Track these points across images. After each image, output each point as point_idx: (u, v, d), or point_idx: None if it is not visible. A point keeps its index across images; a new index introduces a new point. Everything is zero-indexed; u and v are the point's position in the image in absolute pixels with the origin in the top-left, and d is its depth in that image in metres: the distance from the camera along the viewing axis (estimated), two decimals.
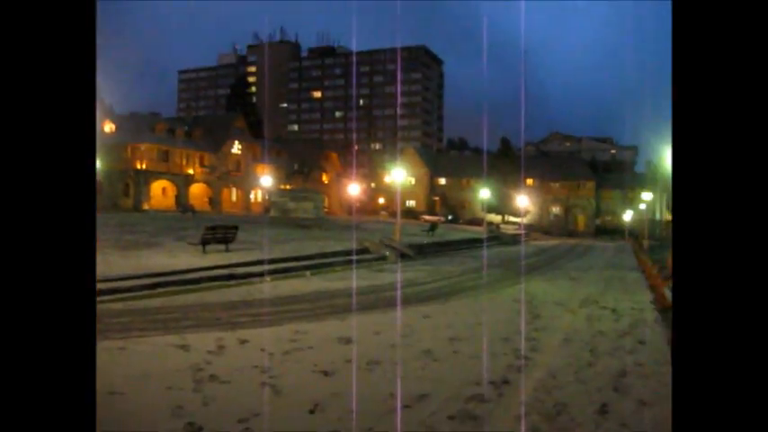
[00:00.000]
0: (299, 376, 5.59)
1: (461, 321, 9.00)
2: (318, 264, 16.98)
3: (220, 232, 18.29)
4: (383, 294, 12.04)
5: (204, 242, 17.22)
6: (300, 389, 5.16)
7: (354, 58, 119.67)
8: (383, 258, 20.78)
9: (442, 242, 29.51)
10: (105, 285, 10.34)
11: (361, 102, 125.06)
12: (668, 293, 9.93)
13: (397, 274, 15.91)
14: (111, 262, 13.80)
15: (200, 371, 5.48)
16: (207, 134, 60.88)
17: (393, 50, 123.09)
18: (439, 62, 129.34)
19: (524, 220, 57.90)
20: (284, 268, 15.51)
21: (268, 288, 12.45)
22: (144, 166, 54.03)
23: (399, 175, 38.92)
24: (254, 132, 69.60)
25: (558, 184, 74.90)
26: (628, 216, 65.41)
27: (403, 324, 8.46)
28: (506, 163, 68.74)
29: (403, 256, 21.60)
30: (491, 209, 62.24)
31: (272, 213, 36.13)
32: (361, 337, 7.46)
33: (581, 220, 73.67)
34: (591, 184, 74.56)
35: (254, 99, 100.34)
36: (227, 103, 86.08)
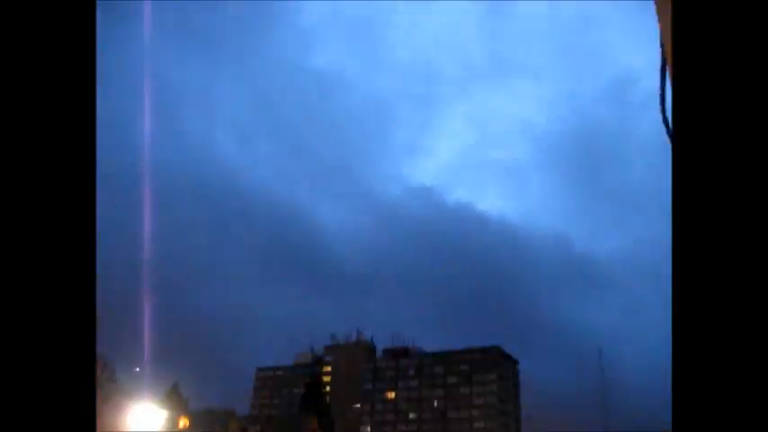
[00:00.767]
0: None
1: None
2: None
3: None
4: None
5: None
6: None
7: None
8: None
9: None
10: None
11: (436, 403, 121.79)
12: None
13: None
14: None
15: None
16: None
17: (467, 351, 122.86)
18: (514, 362, 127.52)
19: None
20: None
21: None
22: None
23: None
24: None
25: None
26: None
27: None
28: None
29: None
30: None
31: None
32: None
33: None
34: None
35: (328, 399, 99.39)
36: (301, 402, 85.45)
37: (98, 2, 2.35)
